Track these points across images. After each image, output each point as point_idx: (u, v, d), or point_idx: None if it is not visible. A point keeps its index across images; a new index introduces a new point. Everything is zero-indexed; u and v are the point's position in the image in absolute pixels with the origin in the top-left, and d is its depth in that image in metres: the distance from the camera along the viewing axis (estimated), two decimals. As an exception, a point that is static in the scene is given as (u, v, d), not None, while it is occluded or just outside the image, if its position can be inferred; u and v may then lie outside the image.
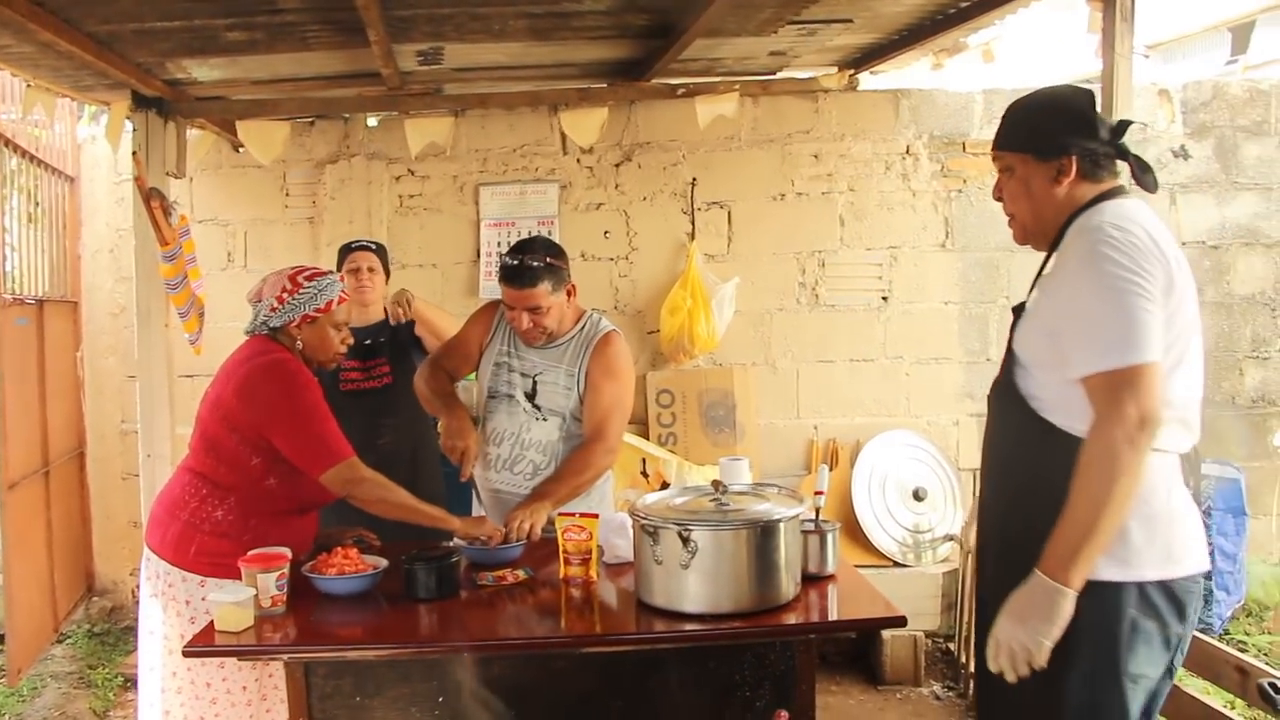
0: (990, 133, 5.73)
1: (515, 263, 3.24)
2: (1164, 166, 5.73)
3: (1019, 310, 2.40)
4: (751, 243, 5.72)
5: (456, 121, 5.31)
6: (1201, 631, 3.37)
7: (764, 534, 2.55)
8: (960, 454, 5.72)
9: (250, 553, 2.77)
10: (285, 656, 2.65)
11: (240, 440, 3.00)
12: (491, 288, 5.68)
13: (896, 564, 5.23)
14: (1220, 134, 5.77)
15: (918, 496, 5.37)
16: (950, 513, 5.42)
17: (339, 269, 4.24)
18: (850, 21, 4.37)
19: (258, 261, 5.78)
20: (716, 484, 2.71)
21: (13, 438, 4.94)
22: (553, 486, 3.25)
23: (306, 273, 3.15)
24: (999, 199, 2.46)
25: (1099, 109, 2.32)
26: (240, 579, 2.79)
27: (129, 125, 4.91)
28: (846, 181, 5.70)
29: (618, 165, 5.73)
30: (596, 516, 2.90)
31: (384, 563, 2.91)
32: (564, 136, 5.59)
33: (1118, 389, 2.06)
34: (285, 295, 3.09)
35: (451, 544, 3.09)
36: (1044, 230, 2.36)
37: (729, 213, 5.73)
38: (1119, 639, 2.17)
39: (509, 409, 3.38)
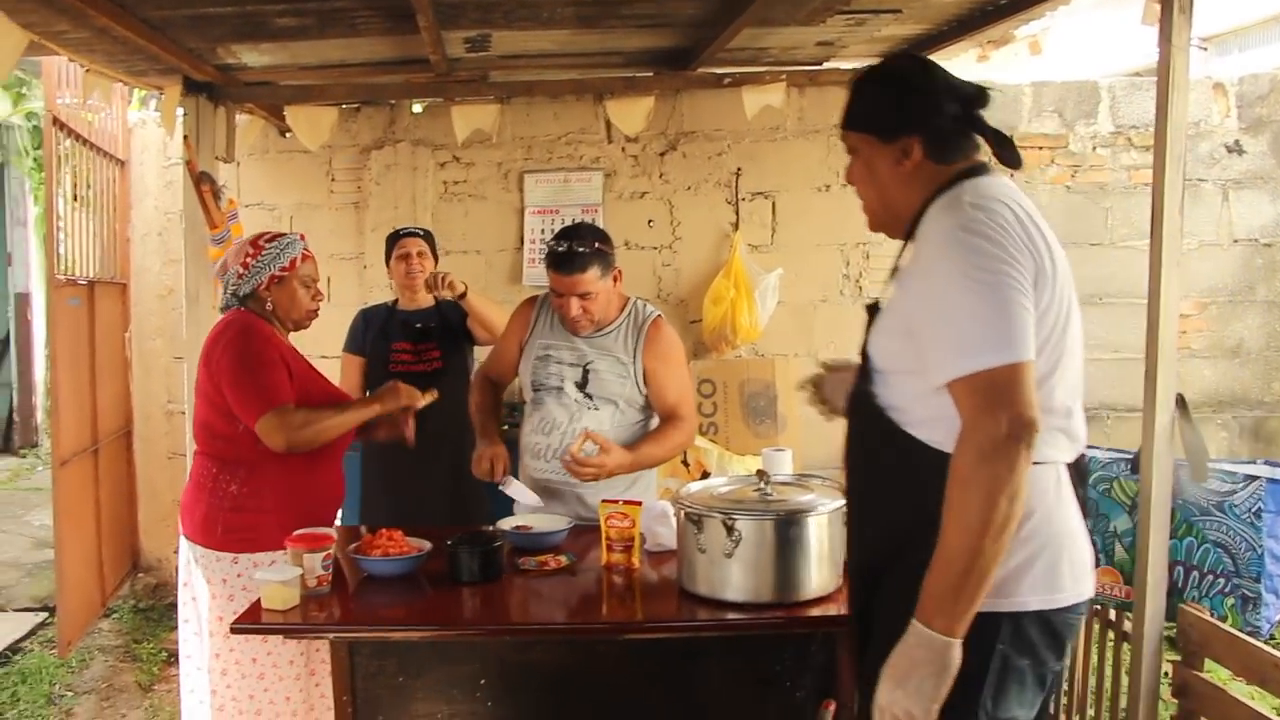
0: (1040, 126, 5.69)
1: (564, 249, 3.22)
2: (1217, 162, 5.66)
3: (874, 309, 2.11)
4: (796, 234, 5.70)
5: (502, 109, 5.32)
6: (1249, 634, 3.32)
7: (807, 525, 2.54)
8: (1003, 449, 5.68)
9: (295, 533, 2.79)
10: (331, 635, 2.68)
11: (219, 411, 3.04)
12: (535, 275, 5.70)
13: (936, 558, 5.20)
14: (1276, 129, 5.67)
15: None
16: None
17: (388, 256, 4.30)
18: (899, 12, 4.33)
19: (304, 246, 5.82)
20: (761, 474, 2.70)
21: (64, 416, 5.03)
22: (641, 446, 3.28)
23: (266, 236, 3.19)
24: (850, 183, 2.21)
25: (946, 79, 2.05)
26: (269, 550, 2.92)
27: (179, 110, 4.96)
28: (892, 173, 5.65)
29: (662, 154, 5.72)
30: (640, 504, 2.90)
31: (428, 545, 2.93)
32: (609, 125, 5.59)
33: (988, 394, 1.78)
34: (249, 260, 3.12)
35: (494, 528, 3.11)
36: (895, 217, 2.10)
37: (773, 203, 5.71)
38: (983, 677, 1.87)
39: (558, 400, 3.35)
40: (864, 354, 2.09)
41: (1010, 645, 1.89)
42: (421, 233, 4.35)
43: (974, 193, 1.94)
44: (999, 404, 1.76)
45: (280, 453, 2.98)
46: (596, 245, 3.25)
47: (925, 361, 1.89)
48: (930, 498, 1.85)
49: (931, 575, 1.81)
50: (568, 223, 5.11)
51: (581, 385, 3.34)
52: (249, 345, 3.02)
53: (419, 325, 4.19)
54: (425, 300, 4.26)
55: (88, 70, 4.52)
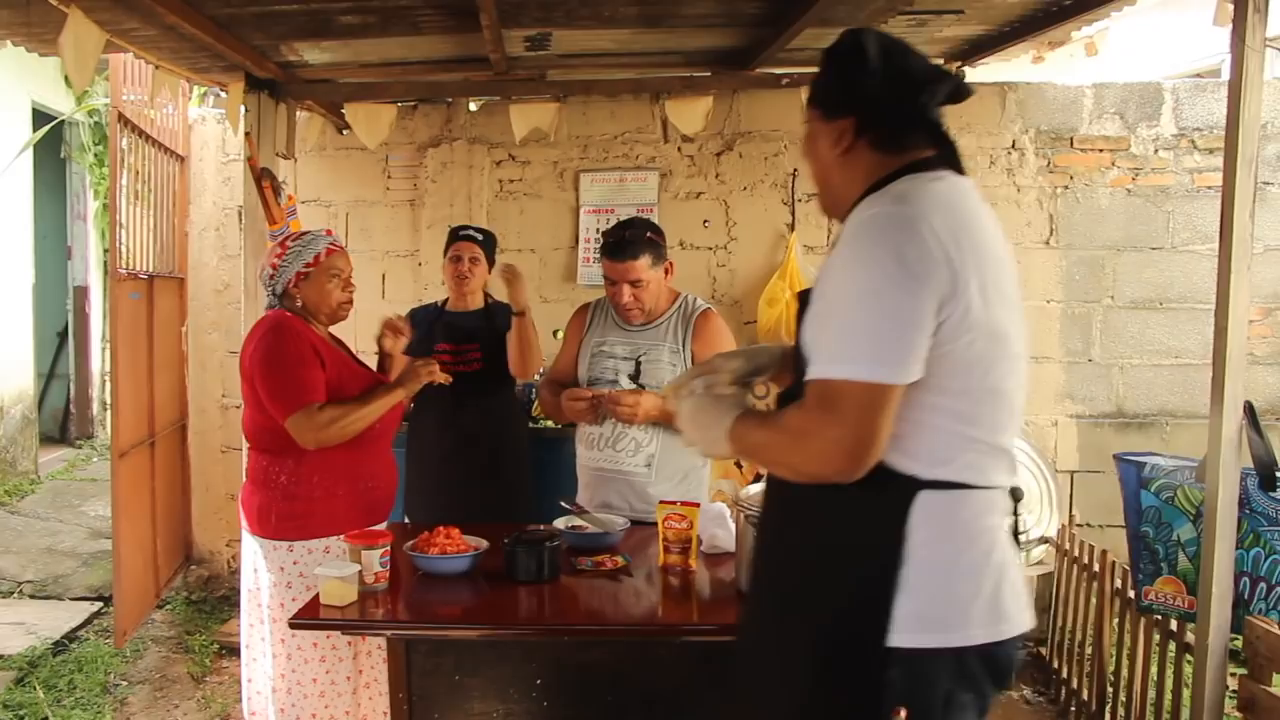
0: (1100, 128, 5.60)
1: (617, 237, 3.37)
2: (1286, 166, 5.56)
3: (805, 295, 1.95)
4: (852, 235, 5.64)
5: (559, 108, 5.32)
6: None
7: (870, 530, 2.51)
8: (1059, 455, 5.62)
9: (354, 531, 2.84)
10: (388, 633, 2.69)
11: (259, 407, 3.13)
12: (590, 274, 5.71)
13: (990, 565, 5.15)
14: (1347, 132, 5.56)
15: (1013, 497, 5.27)
16: (1046, 515, 5.30)
17: (445, 250, 4.28)
18: (962, 13, 4.29)
19: (359, 242, 5.87)
20: (822, 477, 2.68)
21: (124, 408, 5.08)
22: None
23: (293, 235, 3.29)
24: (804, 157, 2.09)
25: (895, 62, 1.87)
26: (322, 536, 3.07)
27: (241, 106, 5.00)
28: (950, 174, 5.59)
29: (719, 154, 5.70)
30: (698, 505, 2.90)
31: (485, 544, 2.94)
32: (665, 124, 5.57)
33: (827, 401, 1.74)
34: (277, 260, 3.23)
35: (550, 527, 3.11)
36: (834, 200, 1.98)
37: (829, 205, 5.66)
38: (932, 715, 1.79)
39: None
40: (798, 346, 1.91)
41: (955, 682, 1.80)
42: (480, 237, 4.29)
43: (897, 198, 1.80)
44: (837, 416, 1.73)
45: (309, 447, 3.07)
46: (648, 235, 3.40)
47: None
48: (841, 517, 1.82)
49: (752, 425, 1.94)
50: (623, 222, 5.13)
51: (634, 377, 3.42)
52: (277, 344, 3.10)
53: (465, 327, 4.19)
54: (474, 302, 4.26)
55: (157, 67, 4.57)
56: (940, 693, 1.78)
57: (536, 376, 4.34)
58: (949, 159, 1.90)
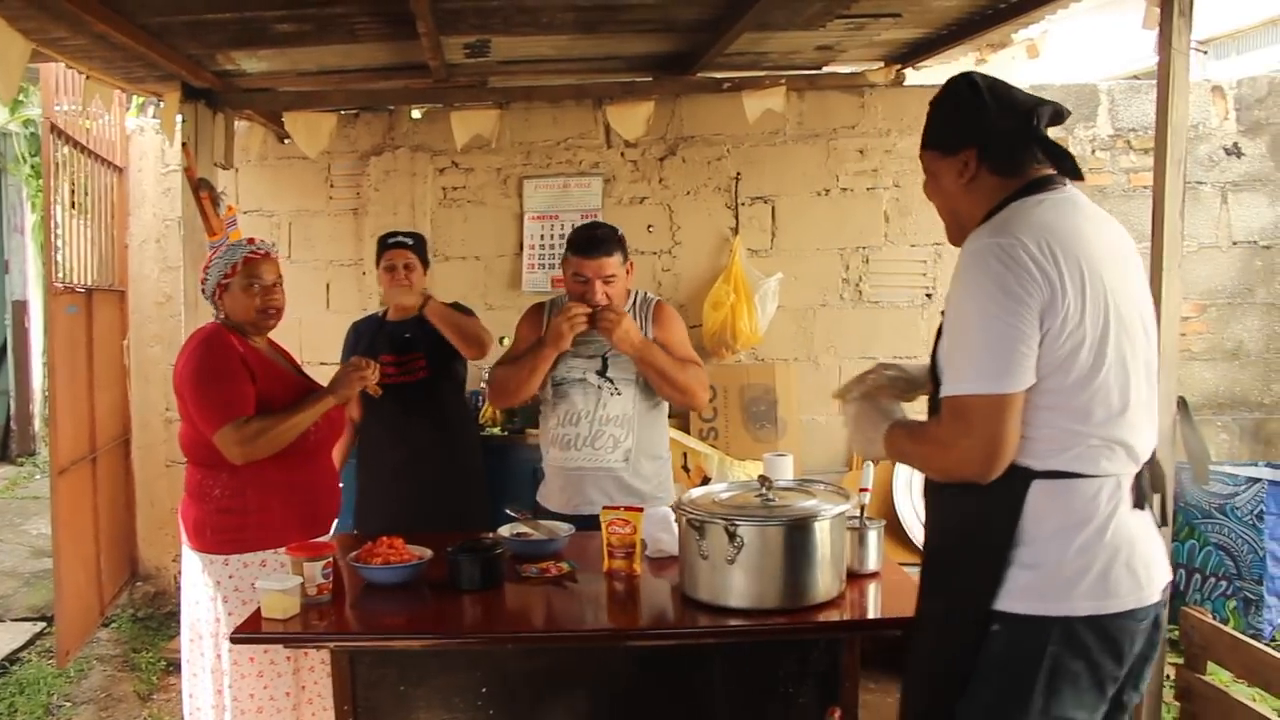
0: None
1: (589, 235, 3.44)
2: (1216, 164, 5.66)
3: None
4: (795, 238, 5.69)
5: (501, 114, 5.31)
6: (1252, 637, 3.31)
7: (810, 530, 2.54)
8: (1003, 453, 5.67)
9: (296, 543, 2.81)
10: (331, 645, 2.67)
11: (191, 421, 3.10)
12: (535, 280, 5.70)
13: (937, 563, 5.19)
14: (1275, 131, 5.66)
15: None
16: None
17: (377, 261, 4.20)
18: (899, 16, 4.34)
19: (302, 252, 5.82)
20: (763, 479, 2.70)
21: (63, 424, 5.01)
22: (658, 349, 3.44)
23: (217, 249, 3.30)
24: (928, 198, 2.34)
25: (1002, 95, 2.14)
26: (258, 550, 3.04)
27: (178, 116, 4.95)
28: (892, 177, 5.65)
29: (662, 159, 5.72)
30: (641, 510, 2.90)
31: (428, 553, 2.92)
32: (608, 130, 5.58)
33: (961, 416, 2.01)
34: (204, 275, 3.24)
35: (495, 535, 3.10)
36: (962, 230, 2.19)
37: (773, 208, 5.70)
38: (1034, 676, 2.00)
39: (582, 390, 3.47)
40: (934, 362, 2.19)
41: (1061, 646, 2.00)
42: (410, 241, 4.15)
43: (994, 229, 2.04)
44: (966, 427, 2.00)
45: (238, 461, 3.03)
46: (617, 234, 3.48)
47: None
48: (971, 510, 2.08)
49: (903, 436, 2.26)
50: (567, 228, 5.12)
51: (602, 372, 3.47)
52: (205, 358, 3.08)
53: (407, 335, 4.12)
54: (413, 311, 4.20)
55: (88, 77, 4.50)
56: (1046, 655, 1.99)
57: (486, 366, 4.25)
58: (1067, 171, 2.14)
